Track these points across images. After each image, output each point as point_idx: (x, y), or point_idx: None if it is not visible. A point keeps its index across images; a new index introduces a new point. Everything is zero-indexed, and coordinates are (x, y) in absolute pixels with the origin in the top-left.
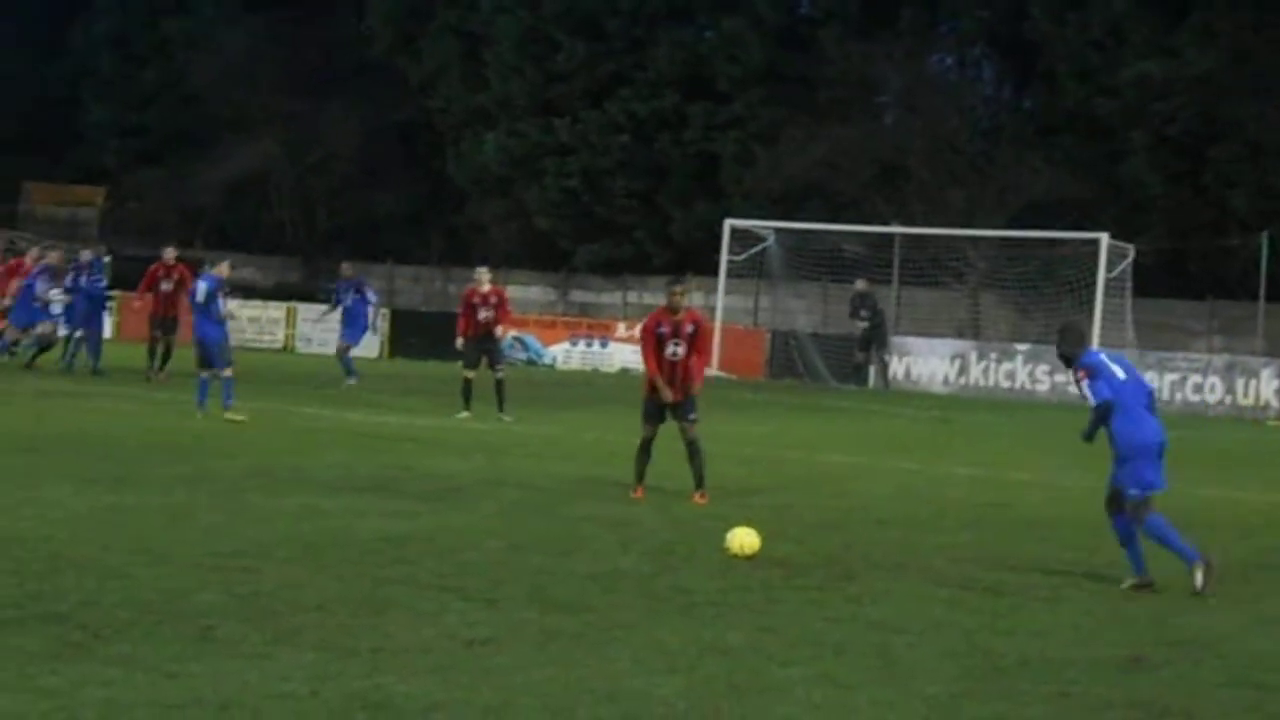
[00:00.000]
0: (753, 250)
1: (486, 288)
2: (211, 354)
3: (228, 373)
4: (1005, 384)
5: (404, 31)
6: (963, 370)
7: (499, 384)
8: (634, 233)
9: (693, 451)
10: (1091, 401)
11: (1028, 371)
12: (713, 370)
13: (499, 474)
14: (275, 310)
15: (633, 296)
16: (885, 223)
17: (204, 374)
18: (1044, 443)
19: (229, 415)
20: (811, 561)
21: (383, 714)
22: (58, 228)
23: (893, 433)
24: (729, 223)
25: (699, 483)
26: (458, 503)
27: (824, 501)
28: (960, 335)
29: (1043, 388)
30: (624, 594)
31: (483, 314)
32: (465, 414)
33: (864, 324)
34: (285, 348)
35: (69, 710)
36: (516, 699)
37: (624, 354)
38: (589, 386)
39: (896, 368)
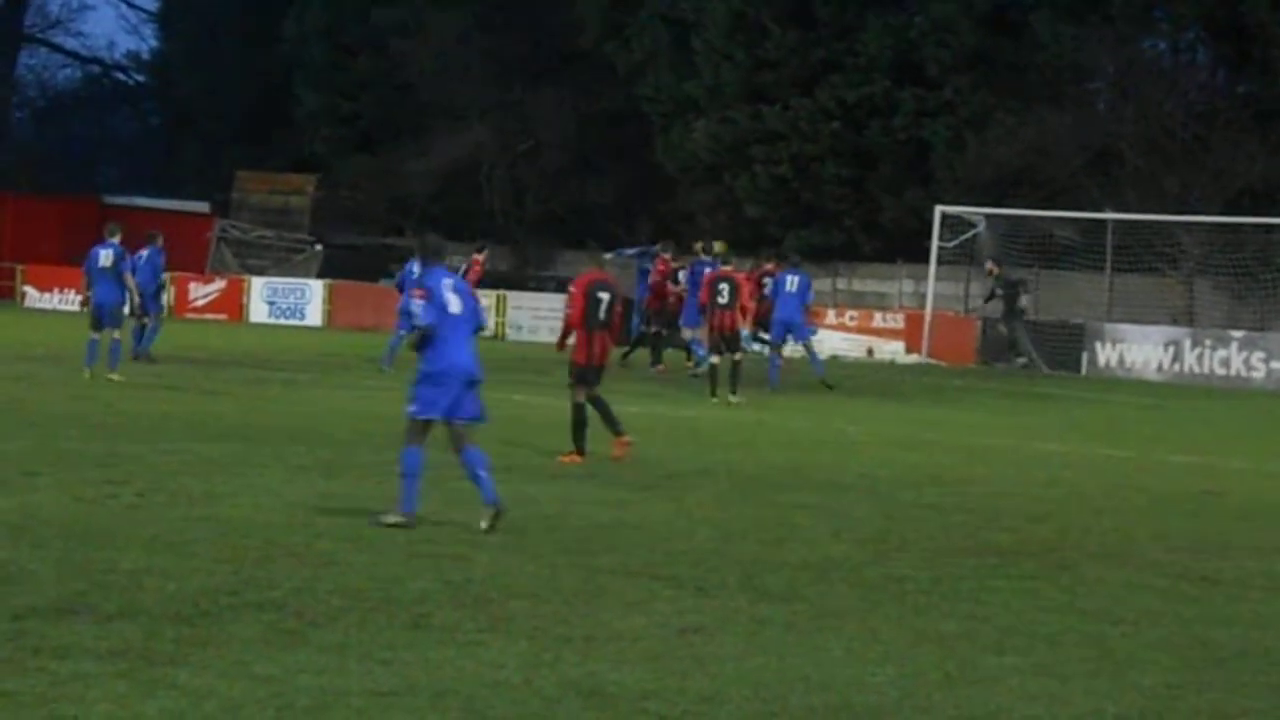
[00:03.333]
0: (963, 237)
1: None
2: (106, 316)
3: (116, 334)
4: (1220, 371)
5: (613, 20)
6: (1176, 357)
7: (735, 365)
8: (844, 220)
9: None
10: (420, 321)
11: (1243, 359)
12: (923, 357)
13: (709, 461)
14: (486, 298)
15: (842, 283)
16: (1098, 209)
17: (95, 335)
18: (1260, 430)
19: (111, 375)
20: (1025, 550)
21: (596, 701)
22: (269, 216)
23: (1106, 420)
24: (939, 209)
25: None
26: (668, 491)
27: (1037, 490)
28: (1174, 322)
29: (1258, 375)
30: (835, 583)
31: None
32: (714, 399)
33: (999, 300)
34: (496, 335)
35: (283, 697)
36: (728, 687)
37: (833, 341)
38: (796, 373)
39: (1110, 354)
